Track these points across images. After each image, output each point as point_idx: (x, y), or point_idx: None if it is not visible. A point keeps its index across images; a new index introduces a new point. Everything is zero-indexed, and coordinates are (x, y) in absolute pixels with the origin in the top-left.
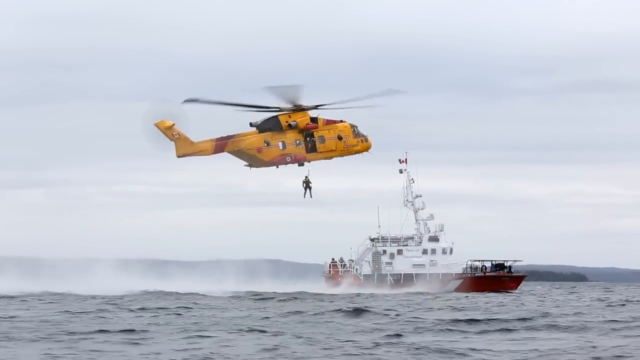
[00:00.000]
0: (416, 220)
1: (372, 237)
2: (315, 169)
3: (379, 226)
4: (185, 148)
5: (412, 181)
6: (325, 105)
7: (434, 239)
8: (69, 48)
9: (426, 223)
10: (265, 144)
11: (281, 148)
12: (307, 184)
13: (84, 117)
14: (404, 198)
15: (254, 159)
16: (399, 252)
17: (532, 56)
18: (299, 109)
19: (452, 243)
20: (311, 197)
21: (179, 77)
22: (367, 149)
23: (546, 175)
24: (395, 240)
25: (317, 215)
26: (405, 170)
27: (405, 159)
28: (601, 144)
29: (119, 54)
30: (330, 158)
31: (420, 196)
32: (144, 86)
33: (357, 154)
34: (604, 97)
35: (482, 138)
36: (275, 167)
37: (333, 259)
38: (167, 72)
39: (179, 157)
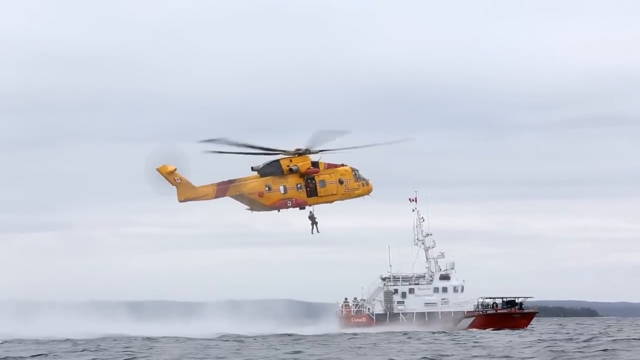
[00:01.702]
0: (427, 259)
1: (383, 276)
2: (325, 207)
3: (390, 265)
4: (187, 193)
5: (422, 219)
6: (325, 150)
7: (445, 277)
8: (72, 91)
9: (437, 261)
10: (267, 189)
11: (282, 192)
12: (312, 219)
13: (90, 159)
14: (414, 237)
15: (255, 203)
16: (411, 290)
17: (538, 92)
18: (300, 153)
19: (464, 281)
20: (318, 232)
21: (185, 119)
22: (368, 192)
23: (554, 211)
24: (407, 279)
25: (326, 254)
26: (415, 209)
27: (415, 198)
28: (608, 178)
29: (124, 96)
30: (331, 202)
31: (430, 234)
32: (150, 128)
33: (358, 198)
34: (610, 132)
35: (490, 174)
36: (276, 211)
37: (346, 299)
38: (173, 114)
39: (180, 201)
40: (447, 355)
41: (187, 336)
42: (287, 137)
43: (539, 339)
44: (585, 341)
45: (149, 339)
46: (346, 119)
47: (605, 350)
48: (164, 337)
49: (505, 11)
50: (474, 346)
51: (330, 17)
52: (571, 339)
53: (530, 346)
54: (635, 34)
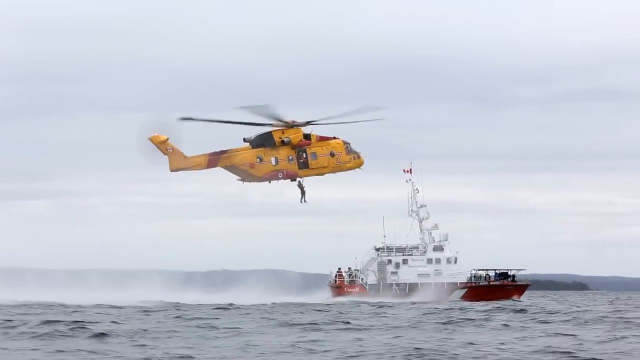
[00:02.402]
0: (421, 230)
1: (377, 247)
2: (320, 178)
3: (384, 236)
4: (179, 162)
5: (416, 191)
6: (317, 121)
7: (439, 248)
8: (70, 59)
9: (431, 233)
10: (258, 160)
11: (274, 164)
12: (301, 188)
13: (85, 129)
14: (408, 208)
15: (246, 174)
16: (404, 261)
17: (533, 66)
18: (292, 125)
19: (457, 252)
20: (305, 201)
21: (179, 88)
22: (359, 165)
23: (548, 184)
24: (400, 249)
25: (320, 225)
26: (410, 180)
27: (410, 169)
28: (603, 152)
29: (120, 65)
30: (323, 174)
31: (424, 206)
32: (145, 97)
33: (350, 171)
34: (606, 106)
35: (485, 147)
36: (267, 182)
37: (339, 269)
38: (168, 82)
39: (172, 171)
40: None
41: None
42: (283, 108)
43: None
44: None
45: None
46: (342, 91)
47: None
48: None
49: None
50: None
51: None
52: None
53: None
54: (632, 7)
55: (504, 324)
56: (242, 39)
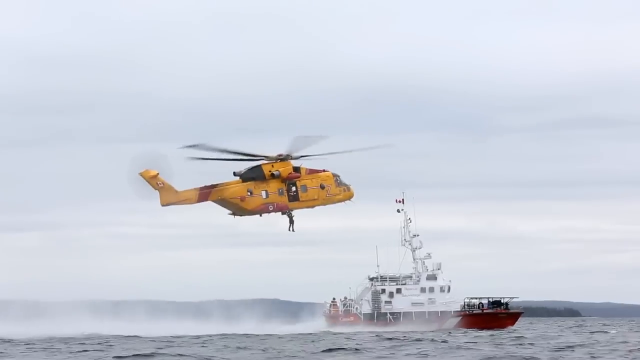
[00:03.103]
0: (414, 259)
1: (371, 277)
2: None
3: (378, 265)
4: (170, 197)
5: (409, 221)
6: (307, 155)
7: (432, 277)
8: (61, 91)
9: (424, 262)
10: (249, 193)
11: (264, 197)
12: (290, 217)
13: (77, 159)
14: (401, 237)
15: (237, 208)
16: (398, 290)
17: (521, 95)
18: (282, 158)
19: (450, 281)
20: (294, 230)
21: (171, 119)
22: (349, 197)
23: (537, 212)
24: (394, 279)
25: (313, 254)
26: (402, 210)
27: (402, 199)
28: (591, 180)
29: (109, 96)
30: (313, 207)
31: (417, 235)
32: (135, 128)
33: (340, 203)
34: (593, 134)
35: (474, 176)
36: (258, 215)
37: (333, 299)
38: (158, 114)
39: (163, 205)
40: None
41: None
42: (272, 139)
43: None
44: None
45: (128, 337)
46: (331, 121)
47: None
48: (142, 336)
49: (489, 15)
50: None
51: (316, 19)
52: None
53: None
54: (616, 37)
55: None
56: (232, 69)
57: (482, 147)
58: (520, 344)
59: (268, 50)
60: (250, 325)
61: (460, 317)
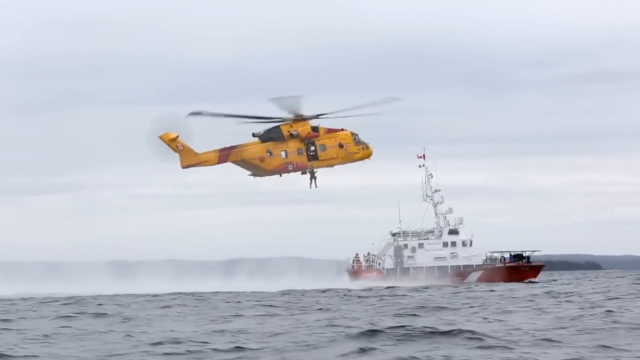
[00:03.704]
0: (436, 214)
1: (393, 232)
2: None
3: (400, 221)
4: (190, 159)
5: (430, 176)
6: (326, 114)
7: (454, 231)
8: (80, 54)
9: (445, 217)
10: (268, 154)
11: (283, 157)
12: (312, 174)
13: (99, 122)
14: (423, 193)
15: (256, 168)
16: (420, 245)
17: (538, 49)
18: (300, 118)
19: (472, 235)
20: (316, 187)
21: (188, 81)
22: (368, 156)
23: (557, 166)
24: (416, 234)
25: (336, 212)
26: (423, 165)
27: (424, 155)
28: (610, 133)
29: (128, 59)
30: (332, 166)
31: (439, 190)
32: (156, 90)
33: (359, 161)
34: (611, 87)
35: (493, 131)
36: (278, 175)
37: (356, 255)
38: (177, 75)
39: (183, 167)
40: None
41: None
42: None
43: None
44: None
45: (154, 295)
46: (347, 79)
47: None
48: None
49: None
50: None
51: None
52: None
53: None
54: None
55: None
56: (249, 30)
57: (500, 103)
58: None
59: (284, 10)
60: (273, 283)
61: (483, 271)
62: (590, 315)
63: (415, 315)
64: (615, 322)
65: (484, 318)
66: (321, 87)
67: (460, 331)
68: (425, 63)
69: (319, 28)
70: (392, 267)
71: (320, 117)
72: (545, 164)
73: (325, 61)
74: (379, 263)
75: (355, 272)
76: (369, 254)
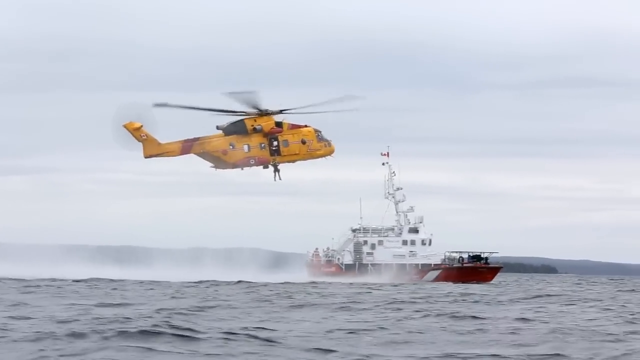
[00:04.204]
0: (397, 212)
1: (353, 228)
2: None
3: (361, 217)
4: (153, 149)
5: (393, 174)
6: (289, 110)
7: (414, 230)
8: (48, 38)
9: (406, 215)
10: (231, 147)
11: (246, 151)
12: (275, 167)
13: (64, 106)
14: (385, 190)
15: (219, 161)
16: (380, 242)
17: (504, 52)
18: (264, 113)
19: (431, 235)
20: (280, 179)
21: (159, 68)
22: (330, 153)
23: (518, 169)
24: (376, 231)
25: (297, 205)
26: (387, 163)
27: (387, 153)
28: (572, 138)
29: (99, 44)
30: (294, 161)
31: (401, 189)
32: (124, 76)
33: (321, 158)
34: (575, 93)
35: (456, 132)
36: (240, 169)
37: (316, 249)
38: (148, 63)
39: (146, 157)
40: None
41: (150, 279)
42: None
43: None
44: None
45: (112, 280)
46: (318, 74)
47: None
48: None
49: None
50: None
51: None
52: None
53: None
54: None
55: None
56: (219, 21)
57: (466, 104)
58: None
59: (256, 3)
60: (230, 273)
61: (441, 270)
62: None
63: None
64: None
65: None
66: (289, 80)
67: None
68: (394, 62)
69: (290, 23)
70: (351, 262)
71: (284, 112)
72: (507, 167)
73: (294, 56)
74: (338, 258)
75: (313, 266)
76: (328, 248)
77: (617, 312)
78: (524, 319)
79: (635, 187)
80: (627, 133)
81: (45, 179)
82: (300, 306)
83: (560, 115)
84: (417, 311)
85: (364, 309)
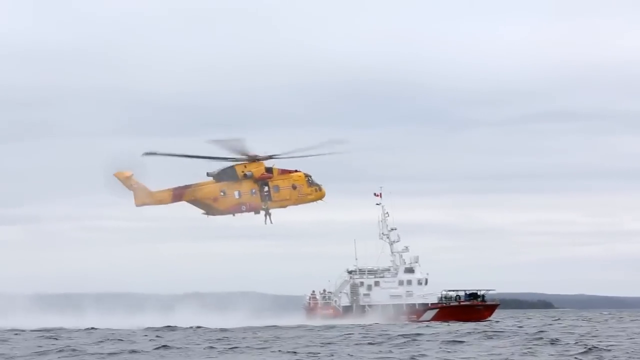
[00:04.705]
0: (392, 252)
1: (349, 270)
2: None
3: (356, 258)
4: (144, 198)
5: (387, 214)
6: (278, 155)
7: (410, 270)
8: (33, 86)
9: (401, 255)
10: (222, 194)
11: (237, 197)
12: (266, 210)
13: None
14: (379, 231)
15: (210, 208)
16: (377, 283)
17: (489, 89)
18: (254, 159)
19: (427, 274)
20: (271, 222)
21: (145, 113)
22: (321, 197)
23: (509, 205)
24: (372, 272)
25: (290, 248)
26: (380, 204)
27: (380, 193)
28: (559, 173)
29: (84, 91)
30: (285, 207)
31: (395, 229)
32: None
33: (312, 203)
34: (560, 128)
35: (444, 169)
36: (231, 215)
37: (313, 291)
38: (134, 108)
39: (137, 206)
40: None
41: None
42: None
43: None
44: None
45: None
46: (301, 115)
47: None
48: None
49: (455, 10)
50: None
51: (283, 15)
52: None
53: None
54: (581, 30)
55: None
56: (206, 64)
57: (451, 141)
58: None
59: (239, 45)
60: (228, 318)
61: (438, 310)
62: None
63: None
64: None
65: None
66: (274, 123)
67: None
68: (381, 101)
69: (273, 65)
70: (348, 304)
71: (273, 157)
72: (499, 202)
73: (280, 98)
74: (335, 300)
75: (311, 308)
76: (324, 290)
77: None
78: None
79: (627, 219)
80: (615, 166)
81: (35, 228)
82: None
83: (545, 150)
84: None
85: None
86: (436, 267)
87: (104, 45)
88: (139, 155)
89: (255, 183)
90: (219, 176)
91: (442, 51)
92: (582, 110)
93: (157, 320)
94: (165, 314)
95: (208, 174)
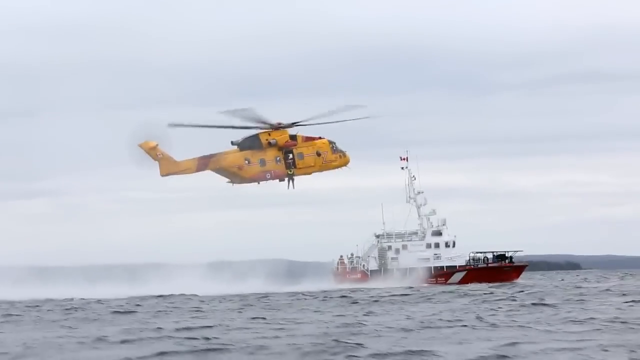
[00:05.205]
0: (419, 216)
1: (377, 234)
2: None
3: (384, 223)
4: (169, 167)
5: (413, 178)
6: (302, 122)
7: (437, 233)
8: (60, 59)
9: (429, 218)
10: (246, 162)
11: (261, 165)
12: (290, 177)
13: (78, 127)
14: (406, 195)
15: (235, 176)
16: (404, 247)
17: (515, 51)
18: (278, 126)
19: (455, 236)
20: (294, 187)
21: (165, 85)
22: (345, 164)
23: (537, 167)
24: (400, 235)
25: (318, 215)
26: (406, 167)
27: (406, 157)
28: (589, 134)
29: (106, 64)
30: (310, 174)
31: (422, 192)
32: (135, 95)
33: (336, 169)
34: (588, 89)
35: (472, 133)
36: (256, 183)
37: (341, 257)
38: (154, 80)
39: (162, 176)
40: None
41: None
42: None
43: None
44: None
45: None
46: (327, 83)
47: None
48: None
49: None
50: None
51: None
52: None
53: None
54: None
55: None
56: (224, 34)
57: (480, 105)
58: None
59: (259, 15)
60: (257, 285)
61: (466, 272)
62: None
63: None
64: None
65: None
66: (297, 91)
67: None
68: (405, 66)
69: (295, 33)
70: (376, 268)
71: (297, 124)
72: (526, 165)
73: (302, 65)
74: (363, 265)
75: (339, 274)
76: (352, 255)
77: None
78: None
79: None
80: None
81: (63, 201)
82: None
83: (573, 111)
84: None
85: None
86: (464, 230)
87: (129, 18)
88: (163, 126)
89: (280, 151)
90: (243, 144)
91: (468, 14)
92: (610, 71)
93: (187, 289)
94: (195, 283)
95: (232, 143)
